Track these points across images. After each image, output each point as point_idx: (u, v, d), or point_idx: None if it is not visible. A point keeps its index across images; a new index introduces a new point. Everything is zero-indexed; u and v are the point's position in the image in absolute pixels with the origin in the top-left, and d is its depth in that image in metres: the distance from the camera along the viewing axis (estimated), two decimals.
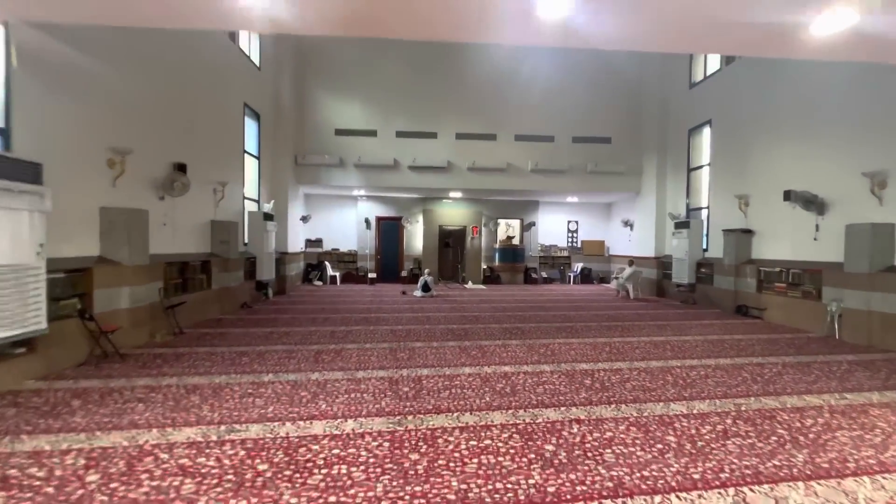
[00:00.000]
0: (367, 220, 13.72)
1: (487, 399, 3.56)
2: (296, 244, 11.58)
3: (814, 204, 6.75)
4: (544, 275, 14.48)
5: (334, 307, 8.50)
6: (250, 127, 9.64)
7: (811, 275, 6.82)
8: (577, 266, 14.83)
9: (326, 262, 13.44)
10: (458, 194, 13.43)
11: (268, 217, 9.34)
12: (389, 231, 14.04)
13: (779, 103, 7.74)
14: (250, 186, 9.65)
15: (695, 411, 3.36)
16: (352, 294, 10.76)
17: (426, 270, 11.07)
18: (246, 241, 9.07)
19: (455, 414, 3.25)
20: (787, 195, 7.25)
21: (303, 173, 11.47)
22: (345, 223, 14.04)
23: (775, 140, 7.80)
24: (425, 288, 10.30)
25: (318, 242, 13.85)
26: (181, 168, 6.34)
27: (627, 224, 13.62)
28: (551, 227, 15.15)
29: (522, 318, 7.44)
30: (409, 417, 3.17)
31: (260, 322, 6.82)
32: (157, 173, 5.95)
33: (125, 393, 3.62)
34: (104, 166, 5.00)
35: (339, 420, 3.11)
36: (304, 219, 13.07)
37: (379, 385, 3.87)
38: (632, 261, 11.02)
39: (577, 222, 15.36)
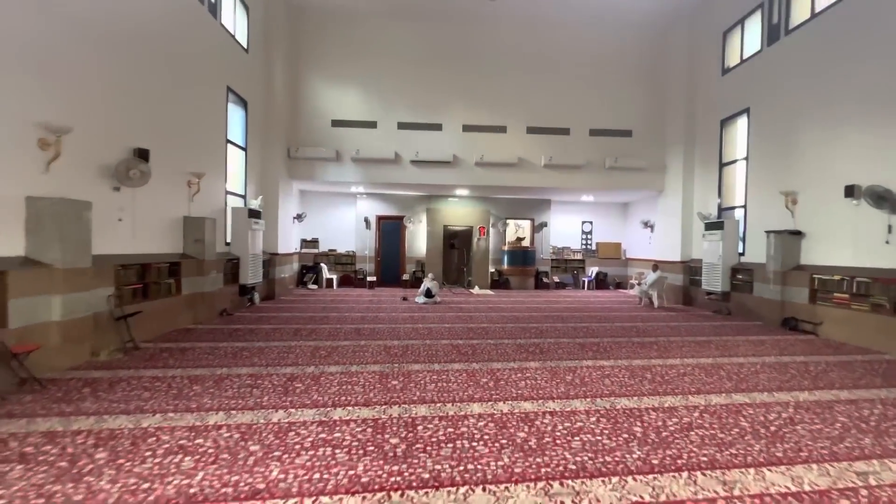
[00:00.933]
0: (366, 220, 12.79)
1: (506, 461, 2.58)
2: (288, 244, 10.66)
3: (886, 201, 5.69)
4: (556, 279, 13.46)
5: (325, 315, 7.55)
6: (235, 115, 8.74)
7: (884, 285, 5.76)
8: (592, 270, 13.79)
9: (322, 265, 12.52)
10: (465, 192, 12.46)
11: (254, 214, 8.42)
12: (390, 231, 13.11)
13: (836, 85, 6.69)
14: (235, 180, 8.74)
15: (807, 487, 2.36)
16: (348, 300, 9.82)
17: (429, 275, 10.10)
18: (228, 240, 8.16)
19: (462, 490, 2.27)
20: (850, 191, 6.23)
21: (296, 167, 10.55)
22: (343, 222, 13.12)
23: (832, 128, 6.75)
24: (428, 294, 9.31)
25: (314, 243, 12.94)
26: (142, 154, 5.43)
27: (647, 225, 12.58)
28: (564, 228, 14.14)
29: (539, 332, 6.44)
30: (395, 496, 2.20)
31: (235, 334, 5.89)
32: (109, 159, 5.03)
33: (10, 444, 2.68)
34: (34, 147, 4.09)
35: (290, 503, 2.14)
36: (299, 217, 12.16)
37: (359, 433, 2.91)
38: (656, 265, 9.98)
39: (591, 223, 14.32)
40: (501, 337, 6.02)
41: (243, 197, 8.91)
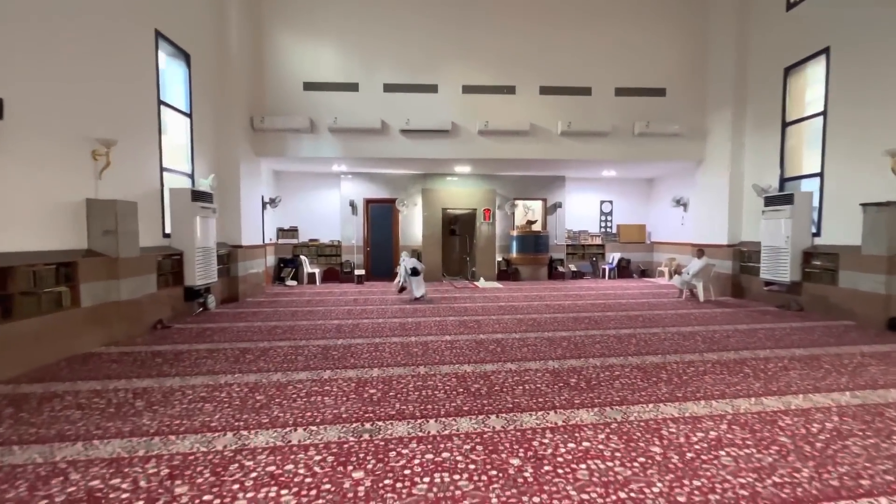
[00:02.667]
0: (352, 204, 11.00)
1: None
2: (256, 234, 8.92)
3: None
4: (573, 268, 11.74)
5: (292, 325, 5.86)
6: (175, 71, 6.91)
7: None
8: (613, 257, 12.06)
9: (303, 257, 10.78)
10: (466, 168, 10.65)
11: (202, 197, 6.65)
12: (381, 217, 11.33)
13: None
14: (177, 154, 6.96)
15: None
16: (329, 299, 8.11)
17: (404, 254, 8.66)
18: (168, 231, 6.41)
19: None
20: None
21: (262, 141, 8.74)
22: (325, 208, 11.34)
23: None
24: (414, 272, 7.90)
25: (293, 232, 11.18)
26: None
27: (680, 203, 10.80)
28: (581, 210, 12.35)
29: (573, 346, 4.74)
30: None
31: (150, 362, 4.19)
32: None
33: None
34: None
35: None
36: (272, 202, 10.38)
37: None
38: (701, 250, 8.23)
39: (611, 203, 12.54)
40: (525, 357, 4.32)
41: (190, 176, 7.13)
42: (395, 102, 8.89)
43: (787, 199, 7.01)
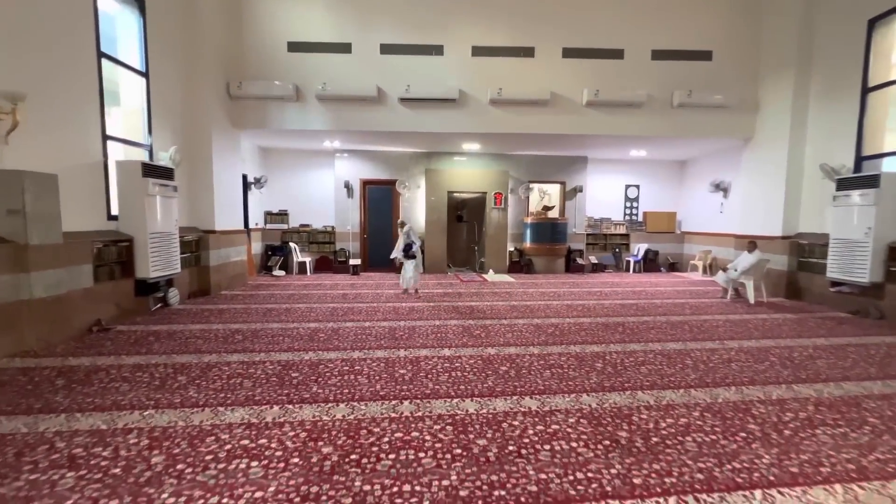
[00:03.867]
0: (347, 185, 9.85)
1: None
2: (234, 218, 7.84)
3: None
4: (593, 260, 10.50)
5: (257, 330, 4.80)
6: (126, 20, 5.76)
7: None
8: (639, 248, 10.79)
9: (293, 244, 9.72)
10: (475, 146, 9.40)
11: (158, 173, 5.56)
12: (379, 200, 10.18)
13: None
14: (131, 122, 5.86)
15: None
16: (315, 293, 7.04)
17: (404, 224, 7.33)
18: (115, 212, 5.35)
19: None
20: None
21: (240, 111, 7.59)
22: (318, 190, 10.21)
23: None
24: (407, 252, 6.93)
25: (283, 216, 10.10)
26: None
27: (719, 188, 9.45)
28: (603, 195, 11.05)
29: (611, 368, 3.59)
30: None
31: (46, 384, 3.15)
32: None
33: None
34: None
35: None
36: (258, 182, 9.29)
37: None
38: (754, 243, 6.94)
39: (637, 188, 11.20)
40: (549, 389, 3.18)
41: (148, 148, 6.03)
42: (393, 66, 7.65)
43: (871, 182, 5.69)
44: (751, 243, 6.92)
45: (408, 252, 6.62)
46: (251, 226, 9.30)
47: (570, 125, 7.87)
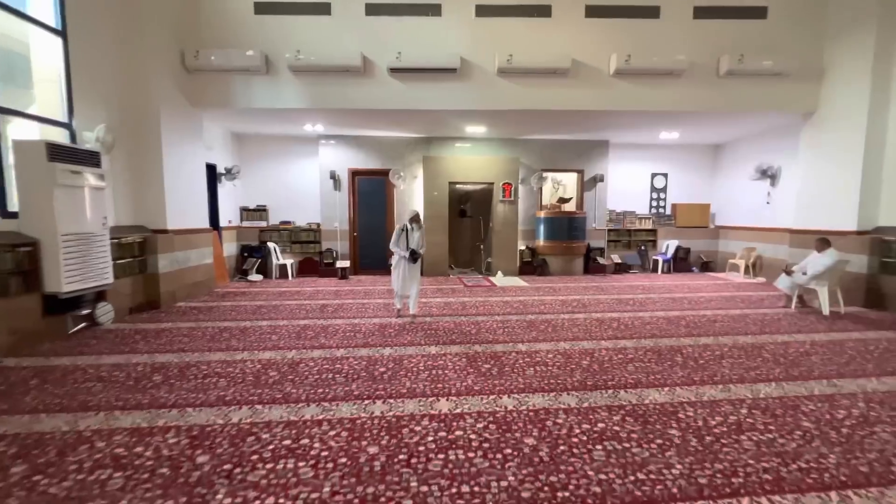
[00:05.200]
0: (333, 176, 8.59)
1: None
2: (196, 215, 6.62)
3: None
4: (616, 259, 9.19)
5: (194, 364, 3.57)
6: None
7: None
8: (668, 245, 9.46)
9: (272, 244, 8.49)
10: (480, 128, 8.09)
11: (75, 157, 4.33)
12: (371, 193, 8.91)
13: None
14: (44, 93, 4.63)
15: None
16: (289, 305, 5.80)
17: (412, 212, 5.23)
18: (14, 207, 4.14)
19: None
20: None
21: (199, 85, 6.34)
22: (301, 182, 8.96)
23: None
24: (413, 256, 5.03)
25: (261, 213, 8.87)
26: None
27: (767, 174, 8.08)
28: (626, 184, 9.72)
29: (702, 440, 2.32)
30: None
31: None
32: None
33: None
34: None
35: None
36: (229, 173, 8.05)
37: None
38: (826, 240, 5.59)
39: (665, 176, 9.85)
40: (619, 496, 1.92)
41: (67, 126, 4.79)
42: (381, 30, 6.36)
43: None
44: (822, 241, 5.57)
45: (415, 256, 5.06)
46: (223, 224, 8.09)
47: (595, 99, 6.54)
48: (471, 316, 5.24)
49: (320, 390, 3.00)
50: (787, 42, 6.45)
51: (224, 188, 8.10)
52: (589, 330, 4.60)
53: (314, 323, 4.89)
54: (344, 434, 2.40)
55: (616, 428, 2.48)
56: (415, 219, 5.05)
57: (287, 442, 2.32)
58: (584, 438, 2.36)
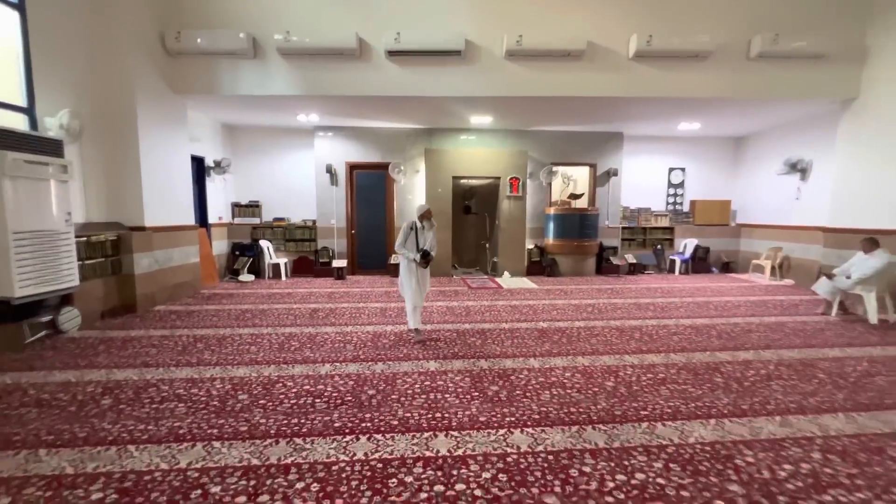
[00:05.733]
0: (330, 170, 8.08)
1: None
2: (179, 211, 6.14)
3: None
4: (630, 259, 8.62)
5: (155, 383, 3.08)
6: None
7: None
8: (686, 244, 8.87)
9: (265, 243, 8.00)
10: (486, 118, 7.54)
11: (30, 144, 3.86)
12: (370, 188, 8.40)
13: None
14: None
15: None
16: (276, 311, 5.30)
17: (421, 207, 4.34)
18: None
19: None
20: None
21: (182, 70, 5.85)
22: (296, 176, 8.46)
23: None
24: (425, 256, 4.16)
25: (254, 208, 8.38)
26: None
27: (797, 168, 7.47)
28: (641, 179, 9.13)
29: (768, 494, 1.80)
30: None
31: None
32: None
33: None
34: None
35: None
36: (218, 166, 7.57)
37: None
38: (874, 240, 5.01)
39: (683, 171, 9.25)
40: None
41: (26, 111, 4.31)
42: (378, 8, 5.82)
43: None
44: (870, 241, 4.99)
45: (427, 258, 4.20)
46: (212, 220, 7.61)
47: (612, 85, 5.97)
48: (476, 323, 4.73)
49: (294, 421, 2.50)
50: (826, 20, 5.84)
51: (213, 182, 7.63)
52: (609, 341, 4.07)
53: (301, 331, 4.39)
54: (314, 487, 1.89)
55: (660, 481, 1.95)
56: (426, 215, 4.21)
57: (241, 500, 1.81)
58: (621, 497, 1.83)
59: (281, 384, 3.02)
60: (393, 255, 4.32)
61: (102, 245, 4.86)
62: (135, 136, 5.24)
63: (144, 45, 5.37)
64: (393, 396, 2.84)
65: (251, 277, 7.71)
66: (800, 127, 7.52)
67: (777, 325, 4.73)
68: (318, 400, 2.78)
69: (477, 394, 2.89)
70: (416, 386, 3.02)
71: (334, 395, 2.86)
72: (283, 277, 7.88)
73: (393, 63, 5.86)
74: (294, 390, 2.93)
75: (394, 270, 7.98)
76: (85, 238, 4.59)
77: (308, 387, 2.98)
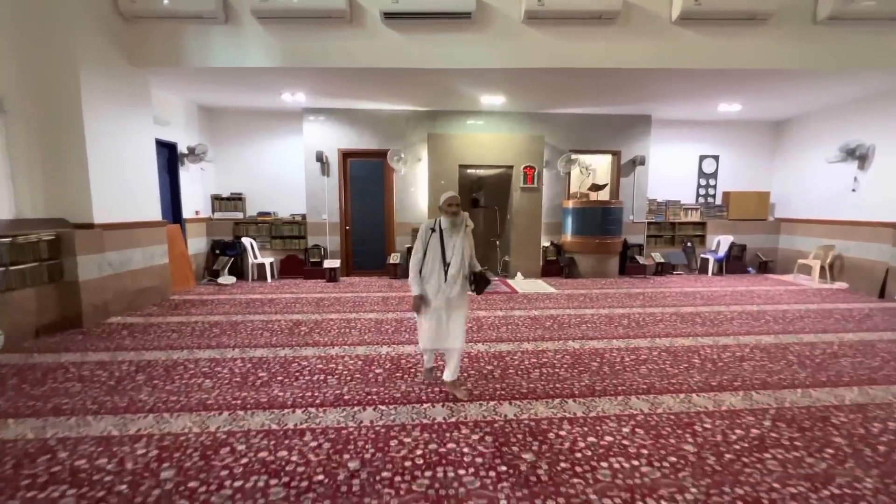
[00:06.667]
0: (320, 158, 7.17)
1: None
2: (136, 204, 5.26)
3: None
4: (658, 258, 7.70)
5: (49, 451, 2.22)
6: None
7: None
8: (719, 241, 7.94)
9: (248, 240, 7.13)
10: (499, 99, 6.59)
11: None
12: (366, 179, 7.49)
13: None
14: None
15: None
16: (252, 323, 4.43)
17: (449, 197, 2.70)
18: None
19: None
20: None
21: (140, 37, 4.94)
22: (283, 165, 7.56)
23: None
24: (480, 282, 2.73)
25: (236, 202, 7.49)
26: None
27: (854, 154, 6.51)
28: (669, 169, 8.18)
29: None
30: None
31: None
32: None
33: None
34: None
35: None
36: (193, 153, 6.67)
37: None
38: None
39: (716, 158, 8.29)
40: None
41: None
42: None
43: None
44: None
45: (480, 283, 2.75)
46: (188, 215, 6.75)
47: (651, 54, 5.02)
48: (490, 343, 3.84)
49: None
50: None
51: (188, 172, 6.74)
52: (664, 372, 3.19)
53: (274, 355, 3.52)
54: None
55: None
56: (452, 208, 2.64)
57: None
58: None
59: (226, 452, 2.15)
60: (412, 279, 2.75)
61: (34, 246, 3.99)
62: (78, 115, 4.35)
63: (91, 7, 4.46)
64: (384, 474, 1.97)
65: (232, 279, 6.85)
66: (858, 107, 6.55)
67: (862, 344, 3.83)
68: (274, 482, 1.91)
69: (504, 468, 2.01)
70: (418, 451, 2.15)
71: (293, 477, 1.99)
72: (269, 279, 7.02)
73: (390, 29, 4.92)
74: (243, 461, 2.06)
75: (393, 271, 7.11)
76: (9, 239, 3.72)
77: (265, 455, 2.11)
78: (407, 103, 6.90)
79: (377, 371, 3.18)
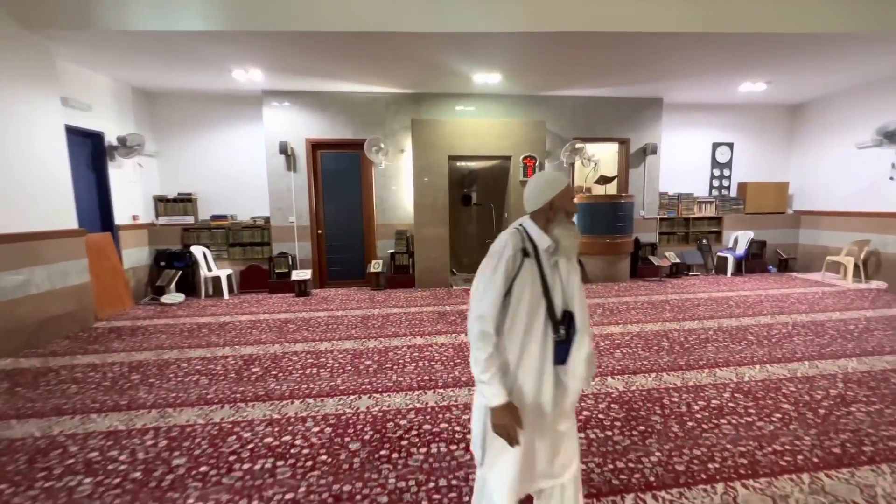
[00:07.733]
0: (285, 150, 6.07)
1: None
2: (42, 209, 4.11)
3: None
4: (674, 258, 6.89)
5: None
6: None
7: None
8: (736, 237, 7.19)
9: (201, 249, 5.98)
10: (495, 77, 5.61)
11: None
12: (341, 174, 6.43)
13: None
14: None
15: None
16: (190, 362, 3.35)
17: (557, 183, 1.37)
18: None
19: None
20: None
21: None
22: (240, 160, 6.42)
23: None
24: (565, 340, 1.29)
25: (186, 204, 6.31)
26: None
27: (891, 138, 5.79)
28: (681, 159, 7.38)
29: None
30: None
31: None
32: None
33: None
34: None
35: None
36: (125, 144, 5.47)
37: None
38: None
39: (730, 146, 7.53)
40: None
41: None
42: None
43: None
44: None
45: (569, 333, 1.31)
46: (123, 221, 5.56)
47: (679, 16, 4.13)
48: None
49: None
50: None
51: (121, 169, 5.55)
52: (758, 432, 2.28)
53: (207, 418, 2.48)
54: None
55: None
56: (568, 202, 1.36)
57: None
58: None
59: None
60: (485, 360, 1.23)
61: None
62: None
63: None
64: None
65: (180, 297, 5.69)
66: (884, 86, 5.85)
67: None
68: None
69: None
70: None
71: None
72: (226, 295, 5.89)
73: None
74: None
75: (374, 281, 6.09)
76: None
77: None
78: (387, 84, 5.86)
79: (353, 448, 2.17)
